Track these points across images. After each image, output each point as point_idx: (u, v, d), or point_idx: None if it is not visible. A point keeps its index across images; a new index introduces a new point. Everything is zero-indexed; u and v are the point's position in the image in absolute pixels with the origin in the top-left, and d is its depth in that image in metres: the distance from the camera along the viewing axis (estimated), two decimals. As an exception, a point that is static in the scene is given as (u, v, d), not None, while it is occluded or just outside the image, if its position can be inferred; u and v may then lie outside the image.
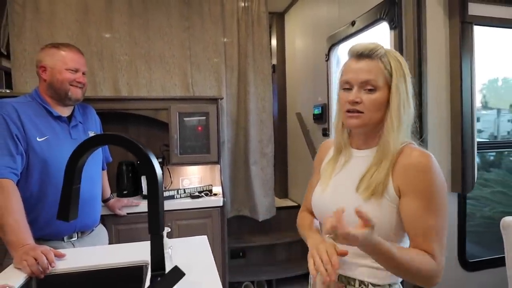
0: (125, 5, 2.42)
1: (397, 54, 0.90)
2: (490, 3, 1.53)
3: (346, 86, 0.89)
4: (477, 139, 1.59)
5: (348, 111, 0.88)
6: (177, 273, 0.77)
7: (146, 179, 0.85)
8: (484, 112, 2.33)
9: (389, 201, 0.85)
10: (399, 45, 1.63)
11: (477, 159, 1.59)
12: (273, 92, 3.39)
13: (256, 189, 2.73)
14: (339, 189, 0.92)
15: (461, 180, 1.54)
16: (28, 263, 1.08)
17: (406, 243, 0.90)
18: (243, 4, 2.72)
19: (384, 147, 0.86)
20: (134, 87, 2.44)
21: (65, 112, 1.51)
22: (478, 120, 2.32)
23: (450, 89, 1.58)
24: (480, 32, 1.64)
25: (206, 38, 2.59)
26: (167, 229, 0.98)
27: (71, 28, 2.34)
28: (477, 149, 1.66)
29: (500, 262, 1.54)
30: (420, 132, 1.54)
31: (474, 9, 1.51)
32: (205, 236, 1.41)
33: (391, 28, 1.74)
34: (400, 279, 0.92)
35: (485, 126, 2.39)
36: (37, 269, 1.08)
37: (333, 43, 2.38)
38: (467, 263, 1.65)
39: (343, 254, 0.81)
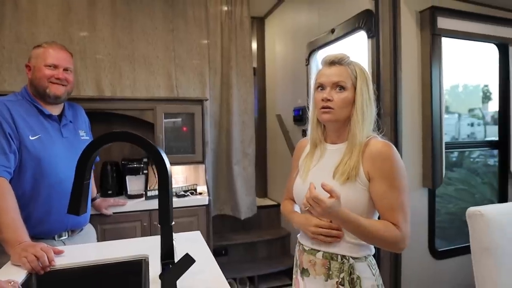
0: (109, 5, 2.42)
1: (361, 64, 1.09)
2: (456, 18, 1.71)
3: (320, 87, 1.07)
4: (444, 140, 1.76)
5: (322, 107, 1.05)
6: (188, 260, 0.83)
7: (157, 174, 0.91)
8: (446, 116, 2.54)
9: (361, 184, 1.02)
10: (376, 53, 1.77)
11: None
12: (254, 94, 3.49)
13: (239, 188, 2.80)
14: (317, 178, 1.06)
15: (431, 176, 1.70)
16: (28, 259, 1.09)
17: (373, 217, 1.07)
18: (226, 8, 2.79)
19: (353, 138, 1.04)
20: (117, 87, 2.44)
21: (55, 111, 1.52)
22: None
23: (422, 94, 1.74)
24: (445, 44, 1.82)
25: (190, 41, 2.63)
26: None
27: (53, 27, 2.30)
28: (445, 149, 1.83)
29: (464, 250, 1.72)
30: (395, 133, 1.68)
31: (443, 23, 1.68)
32: (199, 232, 1.47)
33: (368, 37, 1.88)
34: (373, 252, 1.09)
35: (447, 129, 2.59)
36: (37, 265, 1.09)
37: (313, 49, 2.51)
38: (436, 252, 1.81)
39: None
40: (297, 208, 1.22)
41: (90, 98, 2.22)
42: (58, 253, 1.19)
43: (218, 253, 2.80)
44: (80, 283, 1.15)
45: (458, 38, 1.79)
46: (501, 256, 1.23)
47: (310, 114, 1.15)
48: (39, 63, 1.44)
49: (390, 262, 1.73)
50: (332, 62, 1.07)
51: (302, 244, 1.14)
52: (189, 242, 1.35)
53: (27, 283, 1.08)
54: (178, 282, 0.96)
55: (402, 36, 1.68)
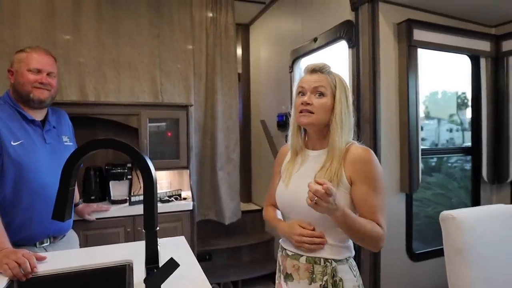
0: (94, 9, 2.42)
1: (340, 75, 1.14)
2: (431, 30, 1.80)
3: (301, 93, 1.12)
4: (421, 146, 1.84)
5: (301, 111, 1.09)
6: (173, 265, 0.85)
7: (143, 180, 0.92)
8: (426, 121, 2.61)
9: (344, 188, 1.06)
10: (356, 62, 1.84)
11: (421, 164, 1.84)
12: (238, 99, 3.52)
13: (223, 193, 2.82)
14: (299, 184, 1.10)
15: (408, 182, 1.77)
16: (9, 266, 1.08)
17: None
18: (211, 15, 2.83)
19: (333, 145, 1.08)
20: (101, 92, 2.43)
21: (38, 116, 1.51)
22: (421, 129, 2.60)
23: (399, 102, 1.81)
24: (425, 53, 1.91)
25: (175, 46, 2.65)
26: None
27: (36, 30, 2.28)
28: (421, 155, 1.91)
29: (440, 253, 1.80)
30: (374, 139, 1.75)
31: (419, 35, 1.76)
32: (183, 237, 1.49)
33: (349, 47, 1.95)
34: (353, 254, 1.13)
35: (427, 134, 2.67)
36: (19, 272, 1.08)
37: (297, 56, 2.57)
38: (413, 254, 1.89)
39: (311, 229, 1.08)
40: (279, 215, 1.25)
41: (74, 102, 2.21)
42: (40, 259, 1.19)
43: (202, 258, 2.80)
44: (62, 290, 1.15)
45: (433, 50, 1.88)
46: (472, 257, 1.30)
47: (291, 120, 1.18)
48: (22, 67, 1.43)
49: (369, 264, 1.79)
50: (314, 70, 1.12)
51: (285, 249, 1.17)
52: (173, 247, 1.37)
53: (9, 290, 1.07)
54: (162, 286, 0.98)
55: (380, 47, 1.75)
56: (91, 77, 2.40)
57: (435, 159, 2.60)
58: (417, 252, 1.90)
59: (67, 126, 1.68)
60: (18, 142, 1.39)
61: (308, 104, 1.08)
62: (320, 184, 0.91)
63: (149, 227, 0.92)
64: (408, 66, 1.75)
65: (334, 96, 1.10)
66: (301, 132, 1.18)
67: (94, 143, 0.91)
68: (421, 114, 2.46)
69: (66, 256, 1.31)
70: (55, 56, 2.27)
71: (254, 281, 2.84)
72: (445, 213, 1.34)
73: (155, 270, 0.87)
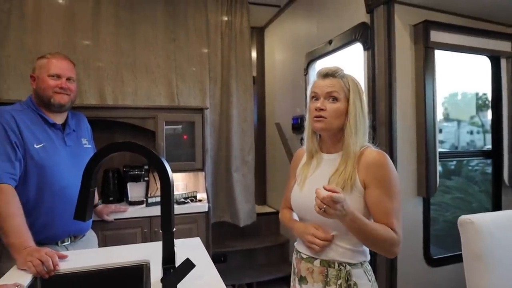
0: (112, 15, 2.48)
1: (354, 78, 1.13)
2: (448, 31, 1.77)
3: (314, 98, 1.12)
4: (439, 149, 1.81)
5: (315, 116, 1.10)
6: (189, 265, 0.87)
7: (160, 182, 0.95)
8: (445, 124, 2.55)
9: (357, 192, 1.06)
10: (372, 64, 1.83)
11: (439, 168, 1.80)
12: (253, 102, 3.54)
13: (238, 195, 2.83)
14: (314, 187, 1.10)
15: (425, 185, 1.74)
16: (33, 264, 1.12)
17: None
18: (226, 19, 2.86)
19: (347, 149, 1.08)
20: (119, 96, 2.49)
21: (58, 119, 1.56)
22: (440, 131, 2.54)
23: (415, 104, 1.79)
24: (443, 53, 1.87)
25: (190, 50, 2.69)
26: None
27: (57, 36, 2.36)
28: (439, 159, 1.87)
29: (459, 258, 1.76)
30: (389, 142, 1.73)
31: (436, 37, 1.74)
32: (198, 238, 1.51)
33: (364, 49, 1.94)
34: (368, 258, 1.12)
35: (447, 137, 2.59)
36: (42, 269, 1.13)
37: (312, 59, 2.57)
38: (431, 260, 1.85)
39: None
40: (295, 216, 1.26)
41: (93, 106, 2.27)
42: (62, 257, 1.23)
43: (217, 259, 2.82)
44: (83, 287, 1.18)
45: (450, 51, 1.85)
46: (491, 263, 1.27)
47: (306, 124, 1.19)
48: (43, 73, 1.49)
49: (386, 269, 1.76)
50: (326, 75, 1.11)
51: (300, 252, 1.18)
52: (189, 248, 1.39)
53: (33, 287, 1.12)
54: (178, 286, 1.00)
55: (396, 49, 1.74)
56: (109, 81, 2.47)
57: (454, 162, 2.54)
58: (435, 257, 1.87)
59: (86, 129, 1.73)
60: (41, 145, 1.44)
61: (322, 109, 1.08)
62: (328, 191, 0.92)
63: (166, 228, 0.94)
64: (425, 68, 1.73)
65: (348, 100, 1.09)
66: (316, 136, 1.19)
67: (113, 146, 0.94)
68: (440, 116, 2.42)
69: (86, 255, 1.35)
70: (75, 61, 2.36)
71: (269, 284, 2.84)
72: (463, 217, 1.32)
73: (172, 270, 0.89)
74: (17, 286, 0.99)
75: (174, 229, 1.12)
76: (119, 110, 2.28)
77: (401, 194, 1.59)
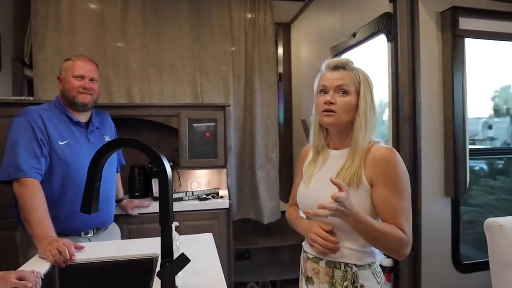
0: (139, 17, 2.57)
1: (364, 71, 1.08)
2: (480, 17, 1.62)
3: (323, 91, 1.07)
4: (468, 146, 1.67)
5: (324, 110, 1.04)
6: (184, 259, 0.88)
7: (158, 177, 0.97)
8: (496, 119, 2.35)
9: (364, 190, 1.01)
10: (395, 56, 1.73)
11: (484, 167, 1.67)
12: (279, 99, 3.51)
13: (262, 192, 2.83)
14: (320, 184, 1.06)
15: (454, 185, 1.62)
16: (51, 253, 1.20)
17: None
18: (250, 16, 2.85)
19: (355, 143, 1.03)
20: (146, 95, 2.58)
21: (83, 118, 1.65)
22: (490, 127, 2.35)
23: (443, 98, 1.66)
24: (487, 44, 1.72)
25: (214, 48, 2.72)
26: (175, 223, 1.09)
27: (89, 39, 2.49)
28: (470, 156, 1.73)
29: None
30: (413, 139, 1.63)
31: (465, 24, 1.60)
32: (211, 234, 1.52)
33: (388, 40, 1.84)
34: (377, 259, 1.07)
35: (498, 133, 2.39)
36: (59, 259, 1.20)
37: (336, 53, 2.48)
38: (460, 265, 1.72)
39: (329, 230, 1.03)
40: (302, 214, 1.23)
41: (120, 105, 2.37)
42: (79, 248, 1.30)
43: (241, 256, 2.84)
44: (97, 277, 1.24)
45: (483, 39, 1.70)
46: (523, 271, 1.15)
47: (313, 119, 1.15)
48: (68, 75, 1.58)
49: (409, 274, 1.67)
50: (336, 67, 1.07)
51: (306, 252, 1.15)
52: (199, 243, 1.41)
53: (50, 274, 1.19)
54: (181, 280, 1.02)
55: (422, 39, 1.62)
56: (137, 81, 2.56)
57: (503, 161, 2.33)
58: (465, 262, 1.73)
59: (109, 127, 1.82)
60: (65, 142, 1.53)
61: (332, 103, 1.03)
62: (335, 185, 0.89)
63: (164, 223, 0.96)
64: (453, 58, 1.60)
65: (358, 93, 1.04)
66: (323, 131, 1.15)
67: (115, 143, 0.97)
68: (490, 111, 2.23)
69: (103, 246, 1.42)
70: (105, 63, 2.49)
71: (293, 282, 2.81)
72: (490, 220, 1.21)
73: (167, 264, 0.90)
74: (34, 273, 1.05)
75: (177, 224, 1.14)
76: (145, 109, 2.36)
77: (427, 194, 1.50)
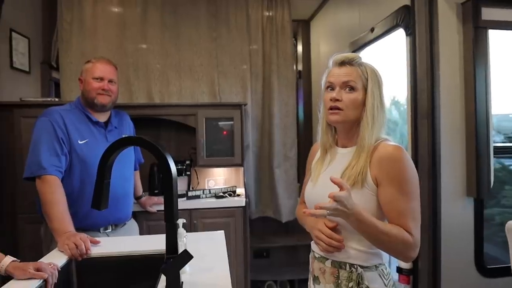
0: (158, 19, 2.64)
1: (373, 66, 1.03)
2: (504, 7, 1.53)
3: (329, 87, 1.04)
4: (493, 144, 1.58)
5: (331, 108, 1.01)
6: (186, 256, 0.90)
7: (162, 175, 0.98)
8: None
9: (369, 190, 0.97)
10: (412, 51, 1.66)
11: (493, 164, 1.58)
12: (299, 97, 3.47)
13: (280, 191, 2.82)
14: (326, 182, 1.03)
15: (476, 184, 1.54)
16: (69, 247, 1.26)
17: None
18: (267, 14, 2.84)
19: (361, 141, 0.99)
20: (165, 95, 2.64)
21: (102, 118, 1.71)
22: None
23: (464, 93, 1.58)
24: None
25: (232, 47, 2.73)
26: (182, 220, 1.11)
27: (111, 42, 2.58)
28: (505, 154, 1.63)
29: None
30: (432, 136, 1.56)
31: (488, 14, 1.51)
32: (222, 231, 1.53)
33: (407, 35, 1.77)
34: (385, 261, 1.03)
35: None
36: (76, 252, 1.26)
37: (355, 49, 2.42)
38: (484, 269, 1.63)
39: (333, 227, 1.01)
40: None
41: (140, 105, 2.44)
42: (94, 243, 1.35)
43: (259, 255, 2.85)
44: (111, 271, 1.29)
45: (508, 30, 1.59)
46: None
47: (320, 117, 1.12)
48: (88, 76, 1.65)
49: (428, 277, 1.60)
50: (342, 63, 1.03)
51: (313, 251, 1.14)
52: (210, 240, 1.42)
53: (68, 267, 1.25)
54: (188, 276, 1.04)
55: (440, 32, 1.55)
56: (156, 81, 2.62)
57: None
58: (489, 266, 1.64)
59: (128, 126, 1.87)
60: (84, 141, 1.60)
61: (338, 100, 1.01)
62: (335, 184, 0.87)
63: (169, 220, 0.97)
64: (474, 51, 1.52)
65: (365, 90, 1.01)
66: (331, 129, 1.12)
67: (121, 142, 1.00)
68: None
69: (118, 242, 1.47)
70: (126, 64, 2.57)
71: (311, 282, 2.78)
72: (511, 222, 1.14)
73: (171, 260, 0.92)
74: (51, 265, 1.11)
75: (184, 221, 1.16)
76: (163, 108, 2.41)
77: (447, 194, 1.44)
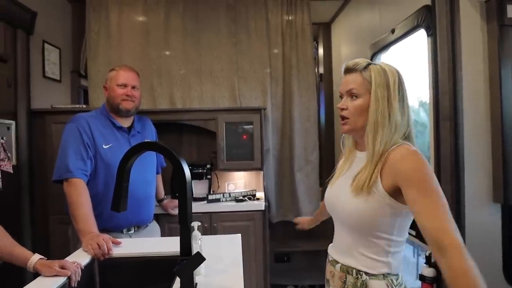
0: (180, 26, 2.71)
1: (384, 67, 1.00)
2: (532, 4, 1.45)
3: (340, 97, 1.05)
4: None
5: (341, 117, 1.03)
6: (199, 258, 0.92)
7: (177, 180, 1.02)
8: None
9: (379, 196, 0.94)
10: (433, 51, 1.62)
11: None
12: (321, 100, 3.45)
13: (301, 195, 2.80)
14: (340, 186, 1.04)
15: (503, 190, 1.47)
16: (92, 247, 1.32)
17: (395, 236, 0.98)
18: (287, 18, 2.85)
19: (367, 148, 0.99)
20: (187, 100, 2.71)
21: (125, 123, 1.78)
22: None
23: (490, 94, 1.52)
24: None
25: (252, 52, 2.76)
26: (197, 223, 1.14)
27: (136, 50, 2.69)
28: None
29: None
30: (455, 139, 1.51)
31: (515, 11, 1.45)
32: (239, 235, 1.55)
33: (428, 35, 1.72)
34: (395, 271, 0.98)
35: None
36: (99, 252, 1.31)
37: (376, 51, 2.38)
38: (514, 278, 1.54)
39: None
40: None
41: (163, 110, 2.52)
42: (116, 243, 1.41)
43: (280, 259, 2.84)
44: (131, 271, 1.34)
45: (537, 27, 1.51)
46: None
47: None
48: (113, 83, 1.73)
49: (453, 284, 1.54)
50: (347, 70, 1.04)
51: (329, 254, 1.14)
52: (226, 243, 1.45)
53: (91, 266, 1.31)
54: (203, 278, 1.06)
55: (462, 31, 1.49)
56: (178, 87, 2.70)
57: None
58: (519, 275, 1.55)
59: (150, 131, 1.94)
60: (108, 146, 1.67)
61: (343, 109, 1.02)
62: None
63: (183, 222, 1.00)
64: (500, 51, 1.45)
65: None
66: None
67: (138, 147, 1.05)
68: None
69: (140, 243, 1.52)
70: (149, 71, 2.65)
71: (333, 288, 2.74)
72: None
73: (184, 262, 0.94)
74: (74, 264, 1.17)
75: (199, 224, 1.18)
76: (184, 113, 2.48)
77: (472, 200, 1.38)
